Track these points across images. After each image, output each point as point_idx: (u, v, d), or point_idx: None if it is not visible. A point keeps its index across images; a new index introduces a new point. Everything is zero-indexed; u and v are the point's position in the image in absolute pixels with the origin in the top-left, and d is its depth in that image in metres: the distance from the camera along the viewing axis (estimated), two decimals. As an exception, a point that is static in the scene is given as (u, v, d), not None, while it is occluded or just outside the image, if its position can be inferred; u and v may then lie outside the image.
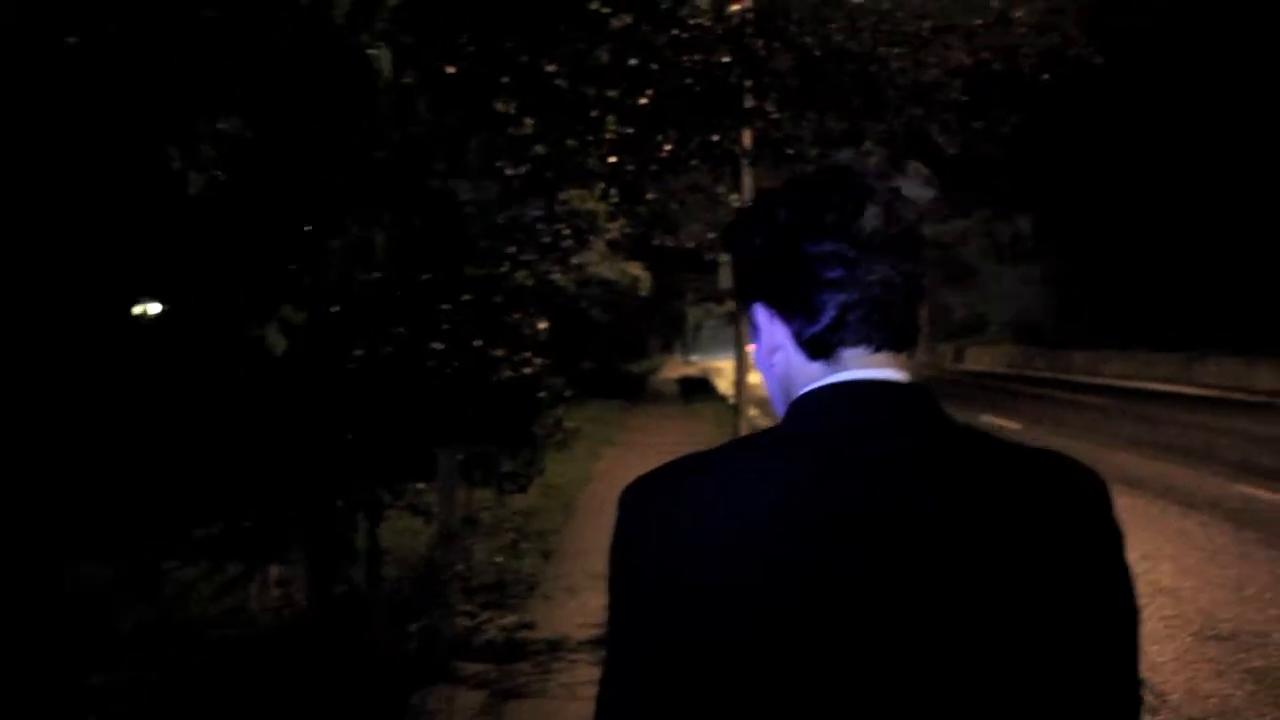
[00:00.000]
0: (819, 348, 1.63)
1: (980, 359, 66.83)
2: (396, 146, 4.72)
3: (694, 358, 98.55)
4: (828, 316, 1.60)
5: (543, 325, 9.33)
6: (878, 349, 1.62)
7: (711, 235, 13.11)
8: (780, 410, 1.69)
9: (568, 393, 9.49)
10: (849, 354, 1.62)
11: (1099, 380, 44.81)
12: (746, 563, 1.46)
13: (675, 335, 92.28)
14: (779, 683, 1.44)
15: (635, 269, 26.59)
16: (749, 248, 1.70)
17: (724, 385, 47.26)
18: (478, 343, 8.22)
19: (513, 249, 8.92)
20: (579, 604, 9.44)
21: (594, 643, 8.33)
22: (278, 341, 4.89)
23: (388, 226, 5.21)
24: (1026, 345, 61.20)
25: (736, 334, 27.45)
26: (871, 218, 1.59)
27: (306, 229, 4.99)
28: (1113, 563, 1.55)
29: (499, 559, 10.79)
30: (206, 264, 4.78)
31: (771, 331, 1.69)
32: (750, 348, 1.81)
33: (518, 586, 10.11)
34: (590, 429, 24.13)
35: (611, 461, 19.43)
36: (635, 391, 40.46)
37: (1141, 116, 44.95)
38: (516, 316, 8.78)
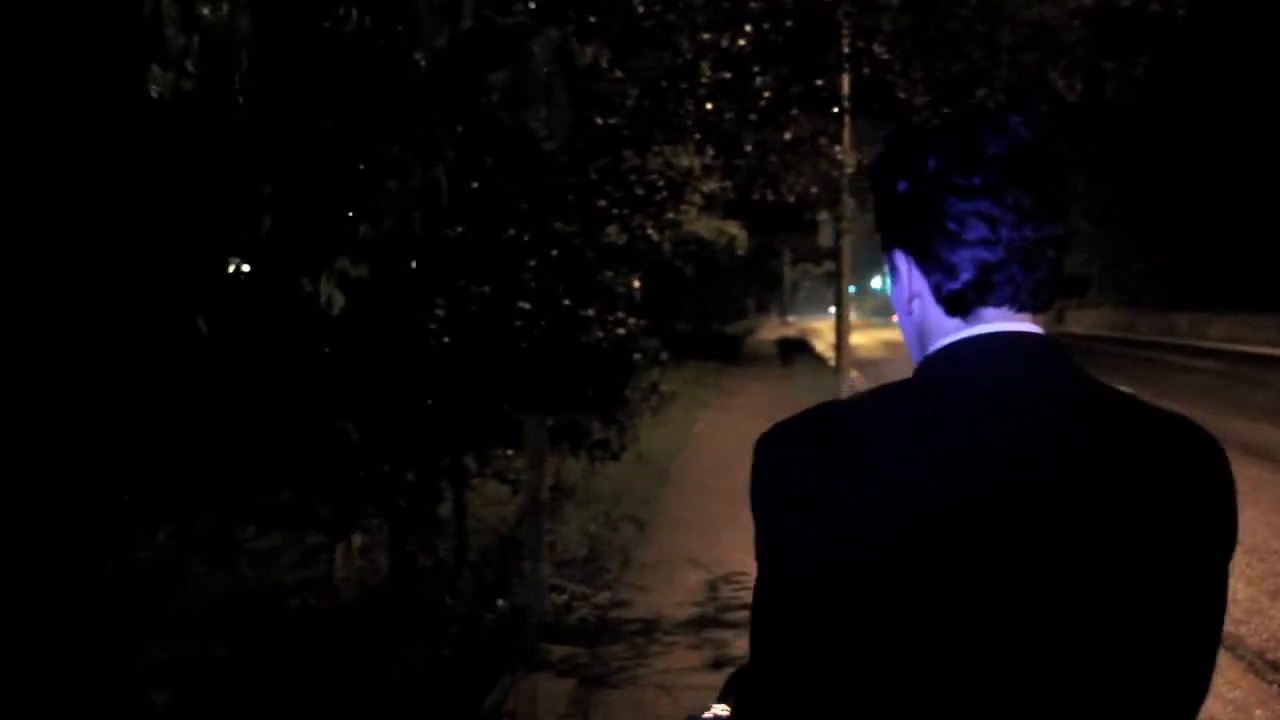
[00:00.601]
0: (957, 304, 1.63)
1: (1081, 321, 65.70)
2: (439, 53, 4.13)
3: (791, 318, 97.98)
4: (967, 275, 1.60)
5: (636, 284, 8.81)
6: (1018, 310, 1.62)
7: (814, 190, 12.45)
8: (916, 358, 1.70)
9: (664, 355, 8.95)
10: (988, 313, 1.62)
11: (1205, 344, 43.49)
12: (902, 501, 1.47)
13: (772, 295, 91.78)
14: (926, 615, 1.47)
15: (732, 227, 26.01)
16: (892, 192, 1.68)
17: (822, 346, 46.83)
18: (566, 302, 7.71)
19: (603, 203, 8.40)
20: (676, 580, 8.91)
21: (691, 624, 7.80)
22: (335, 298, 4.38)
23: (451, 163, 4.64)
24: (1129, 308, 59.77)
25: (837, 294, 26.96)
26: (1022, 176, 1.58)
27: (360, 167, 4.45)
28: (1227, 527, 1.61)
29: (592, 528, 10.28)
30: (248, 209, 4.26)
31: (910, 279, 1.68)
32: (882, 294, 2.04)
33: (611, 560, 9.58)
34: (686, 391, 23.63)
35: (708, 425, 18.78)
36: (731, 353, 39.81)
37: (1235, 71, 43.58)
38: (608, 274, 8.25)
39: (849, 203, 16.99)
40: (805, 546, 1.51)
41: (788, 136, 10.15)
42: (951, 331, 1.62)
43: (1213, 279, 50.78)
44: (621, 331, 7.97)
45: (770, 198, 11.31)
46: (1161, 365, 32.39)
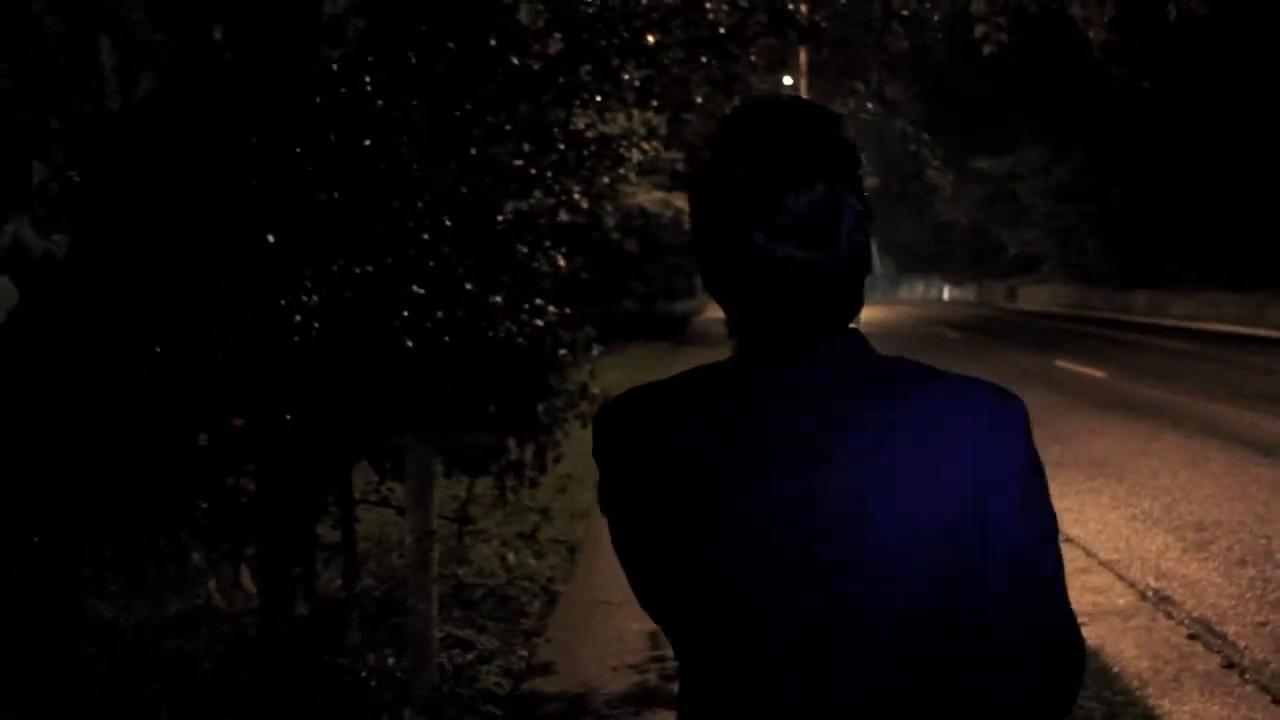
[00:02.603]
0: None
1: (1034, 298, 65.37)
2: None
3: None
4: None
5: (561, 262, 7.10)
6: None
7: None
8: None
9: (596, 349, 7.22)
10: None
11: (1167, 322, 42.58)
12: (682, 470, 1.71)
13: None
14: (706, 559, 1.70)
15: (680, 200, 24.34)
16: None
17: (770, 325, 45.17)
18: (469, 286, 6.00)
19: (519, 162, 6.70)
20: (612, 631, 7.19)
21: (629, 700, 6.11)
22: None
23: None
24: (1082, 284, 58.84)
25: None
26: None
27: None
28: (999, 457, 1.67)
29: (511, 556, 8.53)
30: None
31: None
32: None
33: (532, 599, 7.87)
34: (631, 375, 21.90)
35: None
36: (679, 333, 38.98)
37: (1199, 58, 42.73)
38: (524, 250, 6.53)
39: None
40: (634, 501, 1.78)
41: (752, 82, 8.38)
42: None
43: (1169, 256, 49.99)
44: (539, 322, 6.25)
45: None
46: (1125, 344, 30.97)
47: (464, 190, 6.35)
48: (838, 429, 1.63)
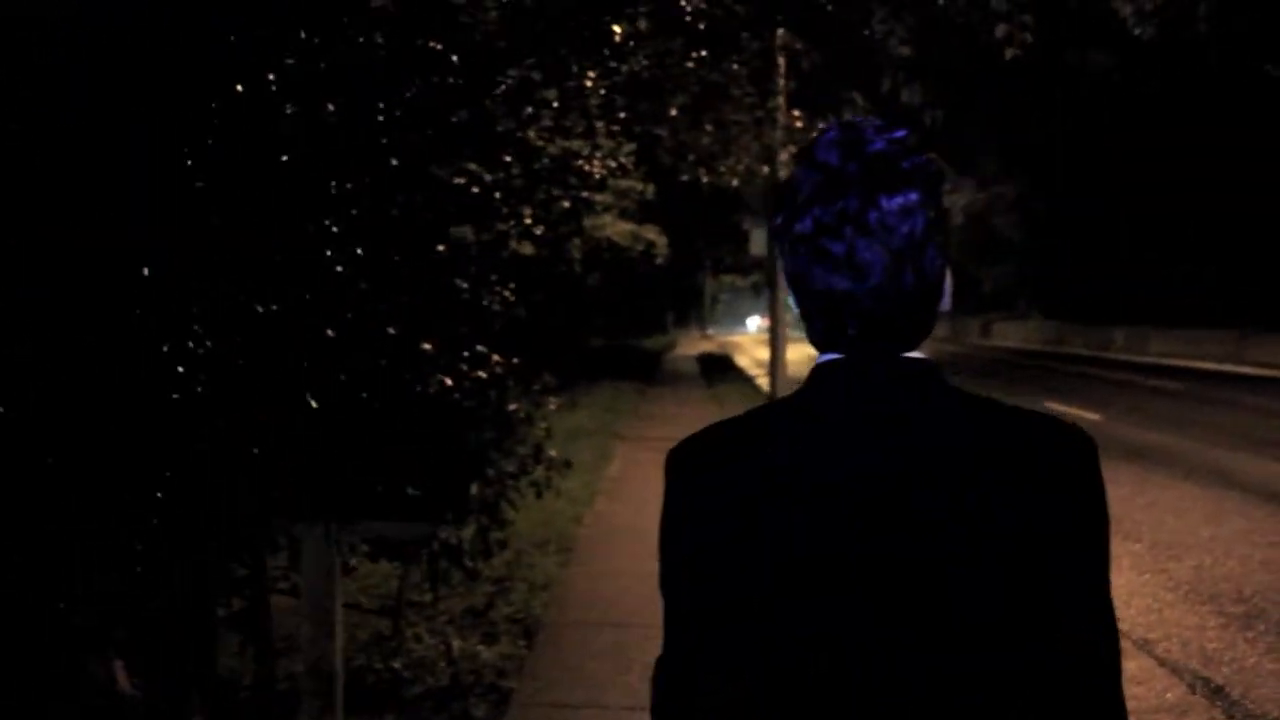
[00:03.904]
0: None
1: (1008, 334, 64.87)
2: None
3: (710, 331, 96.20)
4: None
5: (510, 296, 5.92)
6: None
7: (760, 174, 9.47)
8: None
9: (553, 401, 6.03)
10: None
11: (1148, 359, 41.77)
12: (767, 518, 1.64)
13: (692, 308, 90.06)
14: (794, 621, 1.62)
15: (650, 232, 23.17)
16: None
17: (745, 361, 44.75)
18: (391, 330, 4.81)
19: (461, 180, 5.54)
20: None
21: None
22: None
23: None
24: (1059, 321, 58.11)
25: (771, 305, 24.28)
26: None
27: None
28: (1092, 510, 1.67)
29: (457, 642, 7.29)
30: None
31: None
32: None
33: (479, 701, 6.62)
34: (599, 420, 20.71)
35: (626, 464, 15.62)
36: (650, 371, 37.31)
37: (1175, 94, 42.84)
38: (464, 286, 5.34)
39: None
40: (712, 553, 1.68)
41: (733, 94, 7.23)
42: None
43: (1145, 292, 49.46)
44: (482, 374, 5.05)
45: (704, 179, 8.45)
46: (1114, 384, 29.93)
47: (393, 213, 5.20)
48: (908, 466, 1.61)
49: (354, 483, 4.51)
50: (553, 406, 5.98)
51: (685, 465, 1.75)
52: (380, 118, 5.12)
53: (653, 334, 45.44)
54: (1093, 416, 21.00)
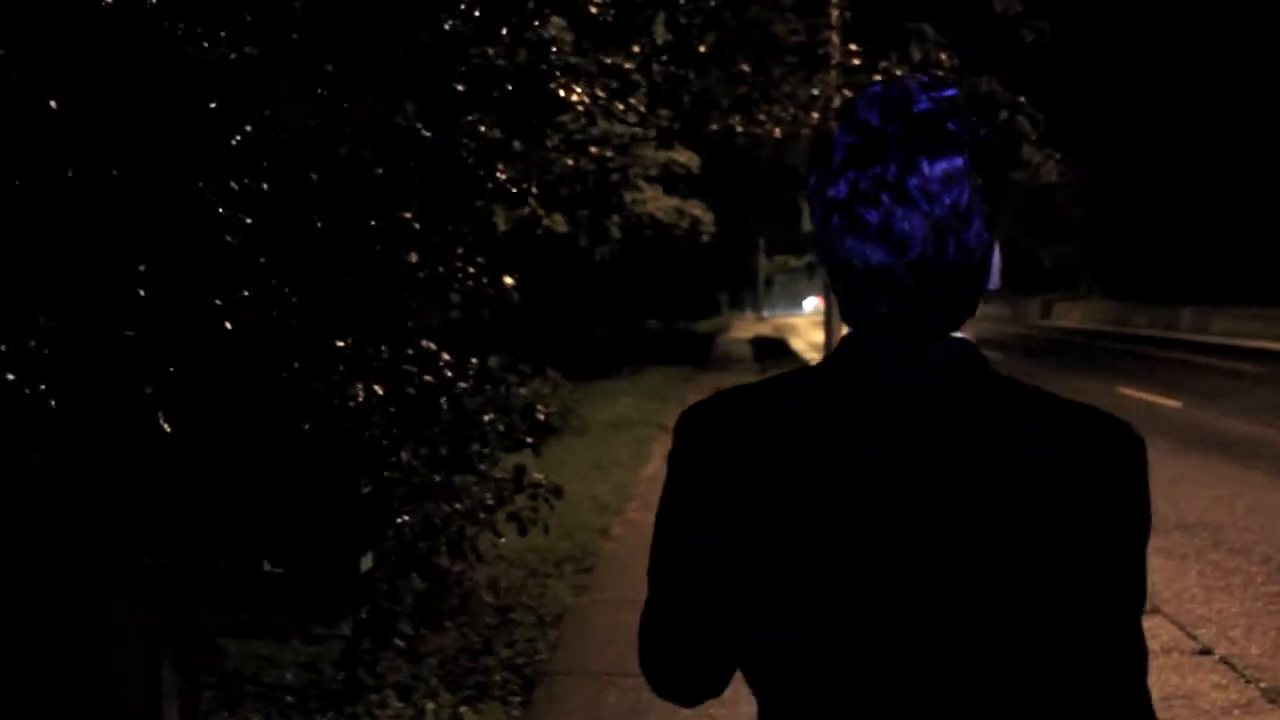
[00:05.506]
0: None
1: (1070, 314, 63.87)
2: None
3: (765, 313, 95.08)
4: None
5: (509, 281, 4.70)
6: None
7: (808, 126, 8.09)
8: None
9: (540, 410, 4.75)
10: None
11: (1217, 340, 39.98)
12: (782, 487, 1.56)
13: (747, 290, 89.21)
14: (805, 592, 1.56)
15: (695, 208, 21.85)
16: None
17: (800, 345, 43.86)
18: (294, 321, 3.55)
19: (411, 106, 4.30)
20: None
21: None
22: None
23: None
24: (1121, 300, 56.65)
25: (826, 288, 23.24)
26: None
27: None
28: (1136, 508, 1.57)
29: (431, 705, 5.90)
30: None
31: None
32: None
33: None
34: (643, 409, 19.44)
35: (664, 464, 14.29)
36: (702, 355, 36.65)
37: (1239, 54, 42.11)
38: (413, 259, 4.06)
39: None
40: (718, 515, 1.61)
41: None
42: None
43: (1211, 269, 48.00)
44: (429, 379, 3.77)
45: (739, 130, 7.18)
46: (1190, 367, 28.43)
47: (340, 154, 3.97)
48: (940, 454, 1.54)
49: (191, 553, 3.24)
50: (541, 417, 4.69)
51: (693, 428, 1.69)
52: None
53: (707, 316, 44.48)
54: (1172, 404, 19.56)
